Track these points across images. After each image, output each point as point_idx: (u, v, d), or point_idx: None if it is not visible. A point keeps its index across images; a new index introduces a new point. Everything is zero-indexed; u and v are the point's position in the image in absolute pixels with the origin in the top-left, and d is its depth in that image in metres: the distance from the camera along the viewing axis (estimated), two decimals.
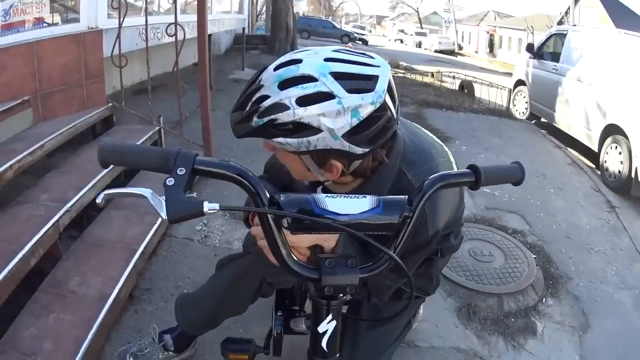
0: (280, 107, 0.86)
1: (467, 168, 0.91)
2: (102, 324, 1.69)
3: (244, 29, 7.87)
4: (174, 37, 2.91)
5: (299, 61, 0.87)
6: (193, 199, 0.75)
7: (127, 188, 0.85)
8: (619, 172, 5.17)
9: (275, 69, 0.88)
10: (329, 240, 0.94)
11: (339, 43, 24.17)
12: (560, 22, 16.52)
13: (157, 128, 3.18)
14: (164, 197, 0.74)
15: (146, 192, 0.78)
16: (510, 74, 10.47)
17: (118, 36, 2.93)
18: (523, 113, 7.91)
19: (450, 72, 9.14)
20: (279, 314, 1.66)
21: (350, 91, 0.85)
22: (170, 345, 1.71)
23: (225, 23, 7.04)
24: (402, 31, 42.80)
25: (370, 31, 42.35)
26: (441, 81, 10.59)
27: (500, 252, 3.04)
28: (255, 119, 0.89)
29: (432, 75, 10.93)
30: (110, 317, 1.80)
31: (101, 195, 0.80)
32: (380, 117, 0.89)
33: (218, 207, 0.74)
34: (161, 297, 2.17)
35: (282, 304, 1.70)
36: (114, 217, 2.32)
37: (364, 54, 0.93)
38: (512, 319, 2.50)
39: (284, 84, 0.85)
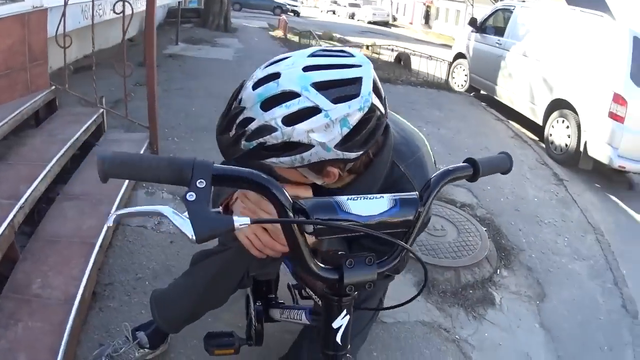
0: (267, 129, 0.82)
1: (464, 162, 0.98)
2: (72, 328, 1.60)
3: (179, 2, 7.50)
4: (122, 13, 2.72)
5: (277, 76, 0.83)
6: (220, 215, 0.72)
7: (142, 208, 0.78)
8: (566, 145, 5.43)
9: (254, 87, 0.84)
10: (299, 195, 0.99)
11: (271, 15, 23.68)
12: None
13: (102, 110, 2.99)
14: (185, 214, 0.69)
15: (166, 210, 0.72)
16: (446, 46, 10.68)
17: (63, 14, 2.70)
18: (462, 86, 8.13)
19: (389, 45, 9.21)
20: (258, 304, 1.65)
21: (335, 101, 0.82)
22: (145, 342, 1.64)
23: None
24: (335, 2, 42.39)
25: (302, 2, 41.68)
26: (378, 53, 10.67)
27: (452, 226, 3.15)
28: (243, 142, 0.85)
29: (368, 48, 10.97)
30: (79, 319, 1.71)
31: (112, 217, 0.74)
32: (370, 119, 0.87)
33: (249, 221, 0.72)
34: (124, 292, 2.08)
35: (259, 293, 1.69)
36: (67, 209, 2.18)
37: (342, 51, 0.90)
38: (470, 291, 2.61)
39: (267, 104, 0.82)
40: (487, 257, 2.88)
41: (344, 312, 0.91)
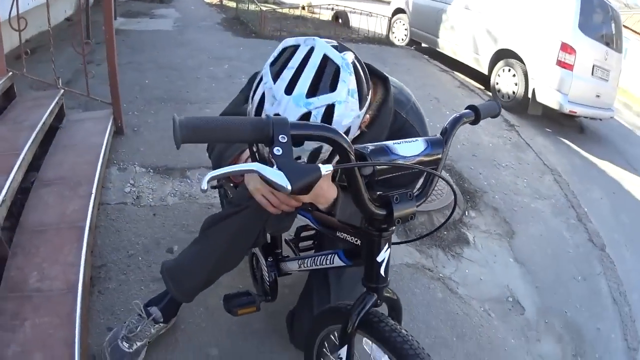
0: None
1: (466, 109, 1.19)
2: (82, 315, 1.56)
3: None
4: None
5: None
6: (306, 165, 0.79)
7: (233, 167, 0.79)
8: (513, 92, 5.63)
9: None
10: (327, 200, 1.17)
11: None
12: None
13: (62, 91, 2.87)
14: (275, 167, 0.75)
15: (258, 166, 0.76)
16: (385, 2, 10.63)
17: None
18: (402, 40, 8.20)
19: (328, 5, 9.08)
20: (269, 260, 1.71)
21: (332, 88, 0.96)
22: (159, 317, 1.66)
23: None
24: None
25: None
26: (313, 13, 10.53)
27: None
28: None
29: (304, 8, 10.77)
30: (85, 306, 1.68)
31: (205, 180, 0.75)
32: (358, 70, 1.02)
33: (332, 168, 0.80)
34: (119, 271, 2.08)
35: (267, 250, 1.73)
36: (46, 195, 2.12)
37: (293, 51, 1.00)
38: (445, 232, 2.77)
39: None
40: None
41: (386, 246, 1.06)
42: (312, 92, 0.95)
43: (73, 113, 3.24)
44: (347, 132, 1.00)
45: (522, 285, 2.53)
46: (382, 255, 1.07)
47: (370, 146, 0.95)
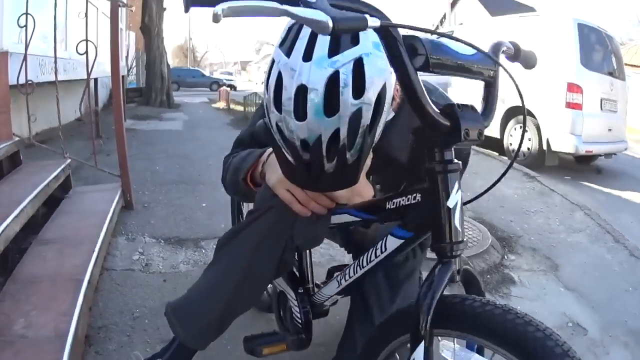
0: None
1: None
2: None
3: (123, 76, 7.46)
4: (85, 54, 2.61)
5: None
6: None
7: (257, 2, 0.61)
8: (528, 149, 5.55)
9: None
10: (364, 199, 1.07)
11: (209, 91, 23.95)
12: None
13: (69, 161, 2.79)
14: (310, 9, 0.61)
15: (286, 6, 0.60)
16: None
17: (25, 59, 2.53)
18: None
19: None
20: (300, 291, 1.42)
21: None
22: None
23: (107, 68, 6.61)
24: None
25: (235, 78, 42.95)
26: None
27: None
28: None
29: None
30: (74, 358, 1.43)
31: (220, 8, 0.57)
32: None
33: (379, 23, 0.66)
34: (122, 332, 1.82)
35: (296, 282, 1.45)
36: (44, 252, 1.93)
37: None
38: (488, 276, 2.61)
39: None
40: (492, 245, 2.92)
41: (456, 185, 0.83)
42: (334, 51, 0.83)
43: (82, 186, 3.15)
44: (383, 96, 0.88)
45: (579, 309, 2.41)
46: (454, 199, 0.83)
47: (425, 38, 0.79)
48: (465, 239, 0.85)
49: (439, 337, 0.89)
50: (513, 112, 5.79)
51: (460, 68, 0.83)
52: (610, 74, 5.68)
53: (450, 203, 0.82)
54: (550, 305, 2.40)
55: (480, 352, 0.90)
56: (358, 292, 1.35)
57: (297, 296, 1.41)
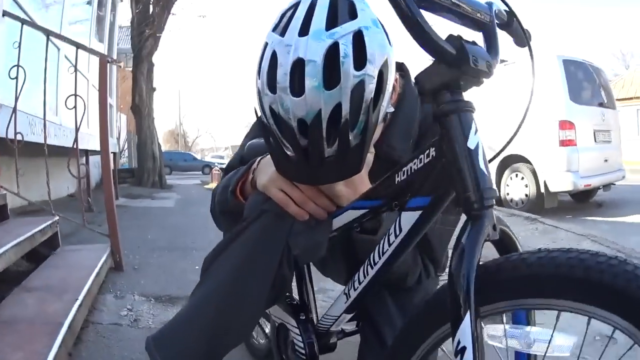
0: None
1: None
2: None
3: (114, 153, 7.52)
4: (74, 109, 2.61)
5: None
6: None
7: None
8: (526, 195, 5.51)
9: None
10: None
11: (200, 174, 24.16)
12: None
13: (57, 218, 2.70)
14: None
15: None
16: None
17: (14, 110, 2.52)
18: None
19: None
20: (301, 317, 1.26)
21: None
22: None
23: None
24: None
25: (227, 161, 43.68)
26: None
27: None
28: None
29: None
30: None
31: None
32: None
33: None
34: None
35: (296, 310, 1.29)
36: (26, 298, 1.80)
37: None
38: None
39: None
40: None
41: (473, 125, 0.73)
42: (331, 25, 0.79)
43: (70, 246, 3.03)
44: (386, 73, 0.83)
45: (600, 323, 2.19)
46: (474, 140, 0.72)
47: None
48: (495, 188, 0.73)
49: (482, 324, 0.73)
50: (507, 162, 5.81)
51: (452, 9, 0.78)
52: (601, 104, 5.73)
53: (470, 144, 0.72)
54: (573, 324, 2.24)
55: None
56: (369, 324, 1.22)
57: (300, 324, 1.25)
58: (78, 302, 1.85)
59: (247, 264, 0.96)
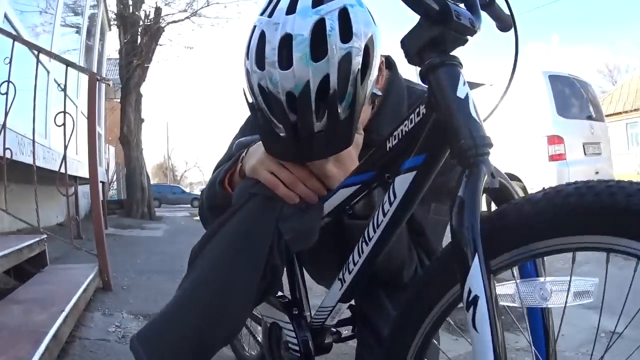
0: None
1: None
2: None
3: (103, 183, 7.48)
4: (63, 126, 2.62)
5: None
6: None
7: None
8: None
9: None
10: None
11: (189, 207, 23.99)
12: None
13: (44, 236, 2.66)
14: None
15: None
16: None
17: (4, 126, 2.50)
18: None
19: None
20: (294, 312, 1.18)
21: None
22: None
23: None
24: None
25: None
26: None
27: None
28: None
29: None
30: None
31: None
32: None
33: None
34: None
35: (288, 306, 1.22)
36: (12, 309, 1.75)
37: None
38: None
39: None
40: None
41: (461, 77, 0.73)
42: (317, 3, 0.82)
43: (58, 264, 2.99)
44: (372, 48, 0.85)
45: (604, 320, 2.20)
46: (463, 90, 0.72)
47: None
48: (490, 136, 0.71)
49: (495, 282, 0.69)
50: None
51: None
52: (589, 117, 5.71)
53: (460, 94, 0.71)
54: (577, 325, 2.26)
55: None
56: (366, 327, 1.18)
57: (293, 320, 1.17)
58: (64, 314, 1.81)
59: (236, 252, 0.93)
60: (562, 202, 0.59)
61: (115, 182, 11.69)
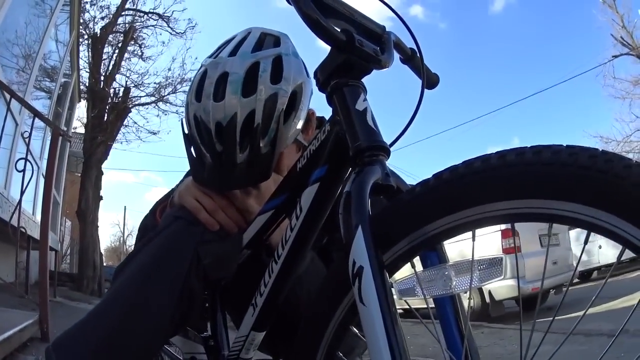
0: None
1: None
2: None
3: (56, 251, 7.27)
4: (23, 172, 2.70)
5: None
6: None
7: None
8: (470, 307, 5.43)
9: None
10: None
11: None
12: None
13: None
14: None
15: None
16: None
17: None
18: None
19: None
20: (210, 343, 1.12)
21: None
22: None
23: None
24: None
25: None
26: None
27: None
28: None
29: None
30: None
31: None
32: None
33: None
34: None
35: (205, 339, 1.14)
36: None
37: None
38: None
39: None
40: None
41: (362, 95, 0.80)
42: (257, 49, 0.94)
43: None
44: (300, 94, 0.96)
45: None
46: (362, 104, 0.79)
47: None
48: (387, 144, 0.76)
49: (392, 280, 0.70)
50: None
51: (347, 18, 0.88)
52: None
53: (359, 107, 0.78)
54: None
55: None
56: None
57: (209, 353, 1.12)
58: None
59: (153, 269, 0.92)
60: (451, 177, 0.60)
61: (68, 256, 11.29)
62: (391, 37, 0.94)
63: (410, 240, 0.66)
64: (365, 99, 0.80)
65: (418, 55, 0.99)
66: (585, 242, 0.61)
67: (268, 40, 0.97)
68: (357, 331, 0.79)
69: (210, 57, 0.98)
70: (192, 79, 1.00)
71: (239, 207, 1.01)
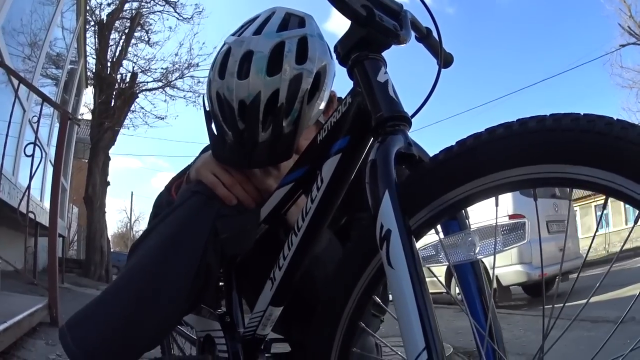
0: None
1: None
2: None
3: (63, 237, 7.33)
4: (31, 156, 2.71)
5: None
6: None
7: None
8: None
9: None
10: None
11: None
12: None
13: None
14: None
15: None
16: None
17: None
18: None
19: None
20: (227, 320, 1.11)
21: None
22: None
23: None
24: None
25: None
26: None
27: None
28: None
29: None
30: None
31: None
32: None
33: None
34: None
35: (221, 316, 1.12)
36: None
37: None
38: None
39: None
40: None
41: (382, 68, 0.81)
42: (282, 29, 0.94)
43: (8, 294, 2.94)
44: (324, 75, 0.96)
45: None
46: (383, 77, 0.78)
47: None
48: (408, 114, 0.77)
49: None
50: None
51: None
52: (553, 196, 5.82)
53: (380, 79, 0.78)
54: None
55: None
56: (301, 352, 1.14)
57: (225, 330, 1.10)
58: (5, 325, 1.81)
59: (171, 244, 0.92)
60: (475, 143, 0.62)
61: (75, 243, 11.39)
62: (408, 15, 0.94)
63: (434, 207, 0.67)
64: (386, 72, 0.81)
65: (435, 33, 1.00)
66: (604, 207, 0.62)
67: (293, 20, 0.97)
68: (379, 300, 0.81)
69: (233, 34, 0.97)
70: (215, 57, 0.98)
71: (258, 187, 1.01)
